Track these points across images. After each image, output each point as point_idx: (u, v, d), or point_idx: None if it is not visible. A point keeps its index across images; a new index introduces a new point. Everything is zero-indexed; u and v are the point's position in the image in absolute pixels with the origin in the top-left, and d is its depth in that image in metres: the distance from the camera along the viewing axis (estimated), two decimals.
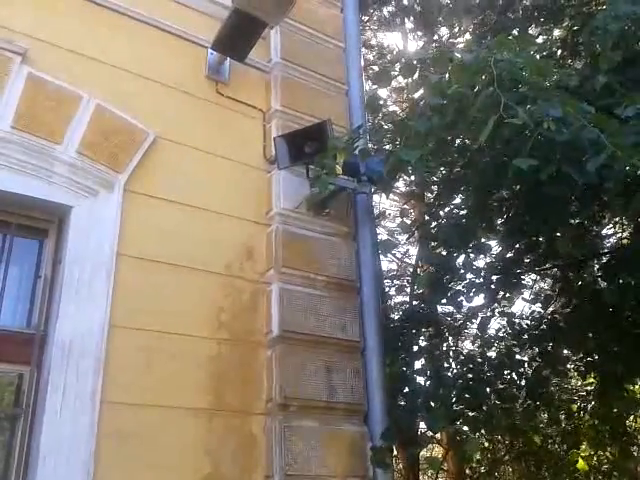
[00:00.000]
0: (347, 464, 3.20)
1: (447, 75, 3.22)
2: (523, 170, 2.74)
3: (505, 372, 4.77)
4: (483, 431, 5.07)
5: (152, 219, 3.21)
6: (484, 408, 4.47)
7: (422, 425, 4.43)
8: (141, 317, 3.00)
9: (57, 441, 2.61)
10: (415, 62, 3.75)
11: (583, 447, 6.82)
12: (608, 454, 6.45)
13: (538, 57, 3.72)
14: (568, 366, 5.81)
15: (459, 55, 3.37)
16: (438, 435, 7.83)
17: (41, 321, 2.91)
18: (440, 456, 8.40)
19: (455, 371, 4.68)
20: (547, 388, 5.05)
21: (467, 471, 8.84)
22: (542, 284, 7.23)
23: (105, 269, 2.96)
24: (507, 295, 4.71)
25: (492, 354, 5.11)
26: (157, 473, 2.79)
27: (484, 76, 3.03)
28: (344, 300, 3.58)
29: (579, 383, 7.13)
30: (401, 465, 8.74)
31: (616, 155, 2.59)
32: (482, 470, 8.44)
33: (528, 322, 5.32)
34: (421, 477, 9.34)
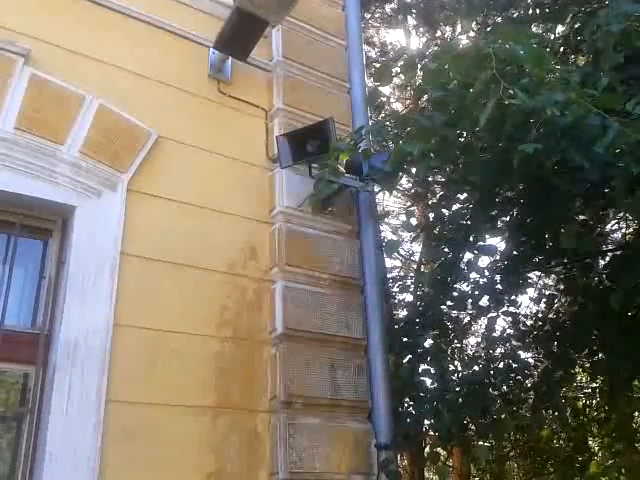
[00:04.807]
0: (351, 461, 3.20)
1: (447, 67, 3.20)
2: (528, 157, 2.72)
3: (511, 375, 4.76)
4: (490, 434, 5.06)
5: (155, 218, 3.22)
6: (491, 412, 4.46)
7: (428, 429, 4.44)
8: (145, 316, 3.01)
9: (63, 440, 2.63)
10: (416, 60, 3.74)
11: (590, 443, 6.81)
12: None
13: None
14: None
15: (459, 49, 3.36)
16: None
17: (46, 321, 2.92)
18: (444, 454, 8.38)
19: (461, 374, 4.67)
20: (556, 391, 5.02)
21: (472, 467, 8.85)
22: (547, 280, 7.21)
23: (109, 268, 2.97)
24: (512, 297, 4.69)
25: (497, 354, 5.10)
26: (162, 471, 2.81)
27: (484, 68, 3.02)
28: (348, 298, 3.59)
29: (584, 380, 7.11)
30: (406, 462, 8.75)
31: (625, 144, 2.57)
32: (488, 467, 8.42)
33: (533, 322, 5.31)
34: (426, 473, 9.36)
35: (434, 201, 5.21)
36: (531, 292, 6.34)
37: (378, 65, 9.24)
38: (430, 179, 5.70)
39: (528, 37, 3.18)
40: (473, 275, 4.64)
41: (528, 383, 5.03)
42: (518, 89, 2.78)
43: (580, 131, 2.74)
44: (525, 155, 2.73)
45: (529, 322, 5.32)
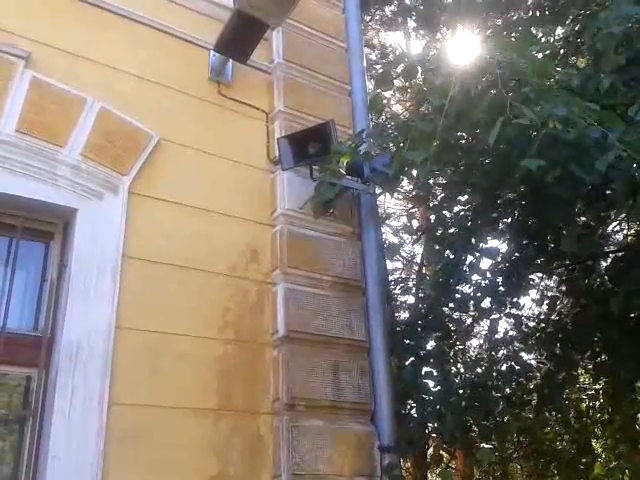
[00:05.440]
0: (354, 463, 3.19)
1: (449, 76, 3.21)
2: (531, 171, 2.73)
3: (514, 377, 4.76)
4: (493, 436, 5.06)
5: (157, 221, 3.22)
6: (494, 414, 4.46)
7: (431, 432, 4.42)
8: (147, 318, 3.01)
9: (66, 442, 2.62)
10: (417, 66, 3.74)
11: (594, 445, 6.80)
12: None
13: (540, 56, 3.71)
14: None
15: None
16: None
17: (48, 323, 2.92)
18: (447, 456, 8.36)
19: (464, 377, 4.66)
20: (559, 393, 5.01)
21: (475, 469, 8.83)
22: (548, 282, 7.20)
23: (111, 271, 2.97)
24: (514, 299, 4.70)
25: (500, 356, 5.10)
26: (165, 474, 2.80)
27: (487, 77, 3.04)
28: (350, 300, 3.58)
29: (587, 381, 7.10)
30: (409, 464, 8.73)
31: (626, 153, 2.58)
32: (491, 469, 8.40)
33: (535, 324, 5.30)
34: (429, 475, 9.33)
35: (435, 203, 5.21)
36: (533, 294, 6.34)
37: (379, 67, 9.26)
38: (431, 181, 5.70)
39: (530, 44, 3.19)
40: (475, 277, 4.65)
41: (531, 385, 5.03)
42: (520, 99, 2.79)
43: (580, 143, 2.74)
44: (527, 169, 2.74)
45: (531, 324, 5.33)
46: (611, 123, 2.71)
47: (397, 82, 8.84)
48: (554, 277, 6.55)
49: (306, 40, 4.18)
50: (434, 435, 4.83)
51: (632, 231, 5.80)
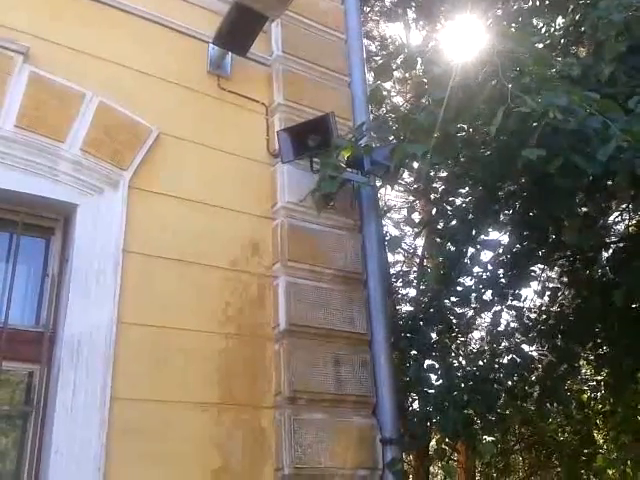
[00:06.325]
0: (356, 456, 3.20)
1: (449, 68, 3.19)
2: (532, 161, 2.72)
3: (516, 369, 4.75)
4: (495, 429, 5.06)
5: (157, 215, 3.21)
6: (496, 408, 4.45)
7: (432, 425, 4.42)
8: (149, 313, 3.01)
9: (68, 437, 2.63)
10: (416, 57, 3.72)
11: (595, 436, 6.80)
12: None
13: (541, 46, 3.70)
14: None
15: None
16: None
17: (50, 319, 2.93)
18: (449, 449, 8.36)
19: (465, 370, 4.65)
20: (560, 384, 5.01)
21: (477, 462, 8.85)
22: (550, 273, 7.19)
23: (112, 266, 2.97)
24: (516, 291, 4.69)
25: (501, 348, 5.09)
26: (167, 468, 2.81)
27: (487, 68, 3.02)
28: (351, 293, 3.58)
29: (589, 373, 7.10)
30: (411, 457, 8.75)
31: (627, 142, 2.57)
32: (493, 461, 8.42)
33: (536, 316, 5.30)
34: (431, 468, 9.36)
35: (436, 196, 5.20)
36: (534, 285, 6.32)
37: (378, 59, 9.23)
38: (432, 174, 5.69)
39: (529, 35, 3.17)
40: (476, 270, 4.64)
41: (533, 377, 5.02)
42: (521, 90, 2.78)
43: (582, 134, 2.73)
44: (529, 160, 2.73)
45: (533, 316, 5.32)
46: (612, 112, 2.70)
47: (397, 73, 8.81)
48: (555, 269, 6.53)
49: (305, 32, 4.17)
50: (436, 428, 4.82)
51: (633, 222, 5.78)
